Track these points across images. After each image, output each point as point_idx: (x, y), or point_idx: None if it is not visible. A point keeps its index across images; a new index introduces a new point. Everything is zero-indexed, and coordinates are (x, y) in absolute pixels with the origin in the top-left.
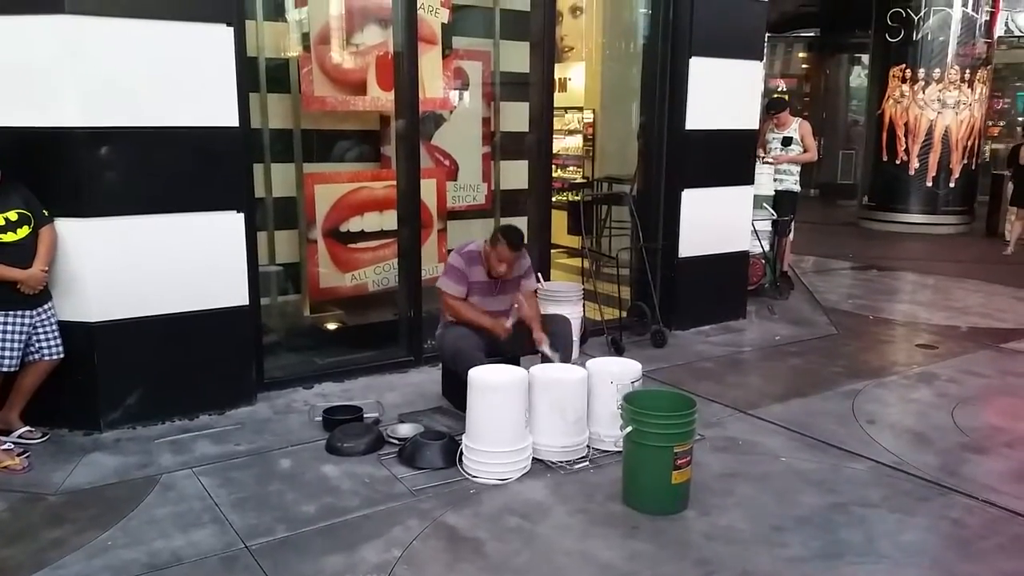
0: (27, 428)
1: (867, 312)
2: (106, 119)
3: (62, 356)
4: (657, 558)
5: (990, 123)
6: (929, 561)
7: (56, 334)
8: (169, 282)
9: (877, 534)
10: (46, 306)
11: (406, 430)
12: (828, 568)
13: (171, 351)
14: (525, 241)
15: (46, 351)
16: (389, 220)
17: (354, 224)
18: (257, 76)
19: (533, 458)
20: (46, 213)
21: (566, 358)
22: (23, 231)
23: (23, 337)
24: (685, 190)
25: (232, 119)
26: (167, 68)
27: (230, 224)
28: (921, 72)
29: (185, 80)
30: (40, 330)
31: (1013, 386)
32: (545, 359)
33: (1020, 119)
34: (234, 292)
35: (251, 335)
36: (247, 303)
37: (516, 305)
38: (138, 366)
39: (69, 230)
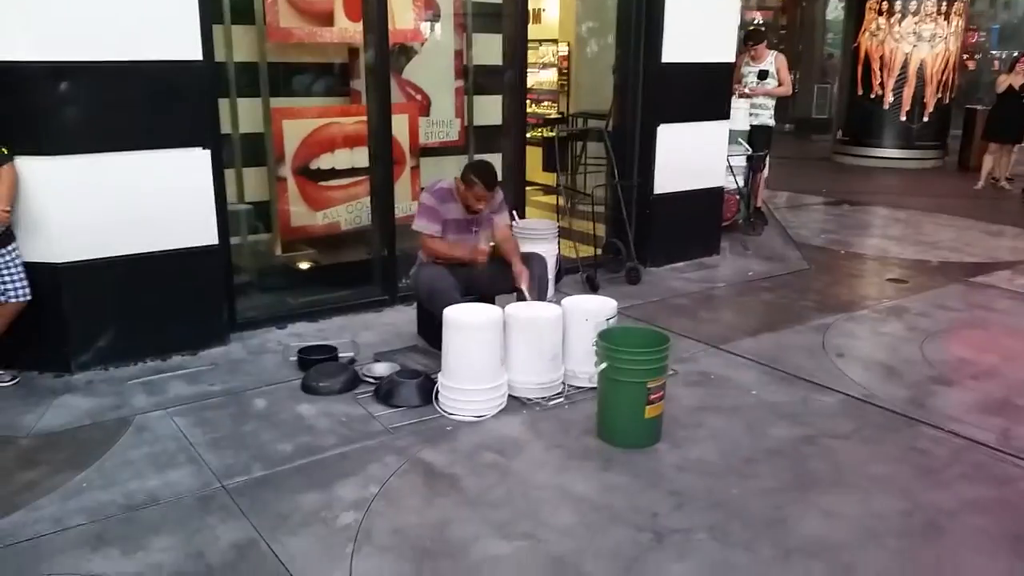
0: None
1: (839, 247)
2: (64, 53)
3: (29, 298)
4: (630, 490)
5: (965, 56)
6: (896, 490)
7: (22, 275)
8: (136, 221)
9: (846, 465)
10: (9, 247)
11: (382, 369)
12: (798, 498)
13: (141, 292)
14: (499, 178)
15: (12, 293)
16: (360, 157)
17: (324, 161)
18: (221, 7)
19: (509, 395)
20: (5, 152)
21: (542, 296)
22: None
23: None
24: (661, 125)
25: (196, 52)
26: None
27: (196, 161)
28: (898, 4)
29: (145, 12)
30: (4, 272)
31: (981, 319)
32: (521, 297)
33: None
34: (203, 231)
35: (222, 275)
36: (216, 242)
37: (490, 240)
38: (108, 307)
39: (31, 169)
